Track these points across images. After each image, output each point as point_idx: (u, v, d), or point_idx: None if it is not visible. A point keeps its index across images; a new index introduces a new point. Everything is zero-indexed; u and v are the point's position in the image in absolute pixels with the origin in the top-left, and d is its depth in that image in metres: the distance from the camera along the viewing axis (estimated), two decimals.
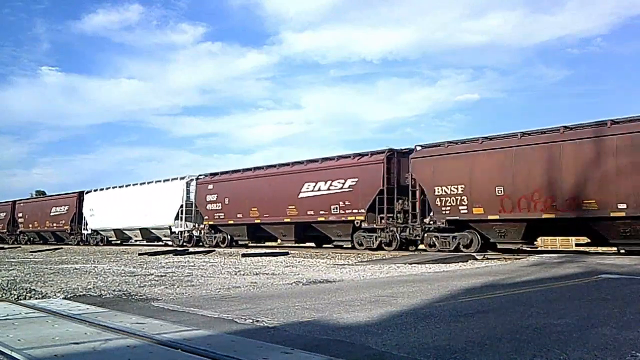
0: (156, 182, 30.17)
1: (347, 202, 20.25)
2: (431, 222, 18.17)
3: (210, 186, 26.51)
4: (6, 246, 36.81)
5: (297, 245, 23.65)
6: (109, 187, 34.21)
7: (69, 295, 7.79)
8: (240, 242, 25.97)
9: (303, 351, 4.11)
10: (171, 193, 28.29)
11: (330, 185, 20.81)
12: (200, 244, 27.09)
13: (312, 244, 24.90)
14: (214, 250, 23.12)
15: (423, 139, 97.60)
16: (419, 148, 18.95)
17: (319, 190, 21.18)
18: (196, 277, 10.86)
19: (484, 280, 9.32)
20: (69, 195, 37.86)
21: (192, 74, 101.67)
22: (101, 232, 34.51)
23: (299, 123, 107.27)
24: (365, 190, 19.73)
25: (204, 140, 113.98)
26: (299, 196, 21.75)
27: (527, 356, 3.90)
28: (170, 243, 29.03)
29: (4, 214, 44.25)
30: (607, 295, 7.58)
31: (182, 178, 28.36)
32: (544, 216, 15.39)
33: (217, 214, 25.87)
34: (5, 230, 43.89)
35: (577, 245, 18.46)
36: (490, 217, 16.55)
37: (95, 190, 35.23)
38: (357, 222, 20.06)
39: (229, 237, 26.28)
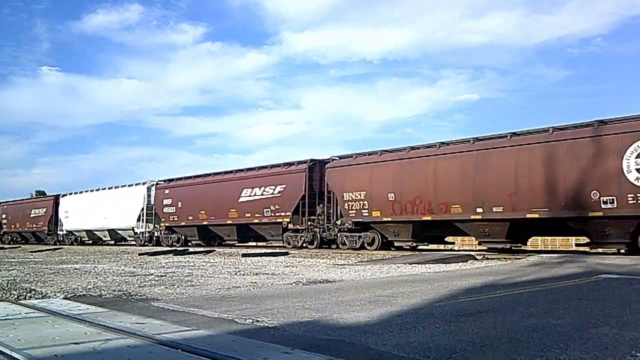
0: (121, 186, 32.98)
1: (277, 206, 23.02)
2: (342, 224, 20.82)
3: (167, 191, 29.32)
4: (6, 246, 37.06)
5: (241, 244, 26.48)
6: (82, 191, 36.94)
7: (69, 295, 7.79)
8: (193, 242, 28.34)
9: (303, 351, 4.11)
10: (134, 197, 31.14)
11: (264, 191, 23.68)
12: (160, 243, 29.55)
13: (253, 243, 27.89)
14: (214, 250, 23.13)
15: (423, 139, 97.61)
16: (335, 159, 21.86)
17: (255, 195, 24.02)
18: (196, 277, 10.86)
19: (484, 280, 9.32)
20: (46, 198, 41.14)
21: (192, 74, 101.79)
22: (75, 233, 36.90)
23: (299, 123, 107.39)
24: (291, 195, 22.45)
25: (204, 140, 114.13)
26: (239, 200, 24.59)
27: (527, 356, 3.90)
28: (133, 242, 32.05)
29: None
30: (607, 295, 7.58)
31: (144, 183, 31.23)
32: (424, 218, 18.34)
33: (172, 217, 28.61)
34: None
35: (577, 245, 18.52)
36: (385, 219, 19.37)
37: (70, 194, 37.82)
38: (285, 224, 22.77)
39: (182, 237, 28.77)
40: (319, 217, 21.88)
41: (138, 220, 30.73)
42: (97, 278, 10.76)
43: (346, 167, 21.03)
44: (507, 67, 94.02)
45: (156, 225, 30.28)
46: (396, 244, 19.77)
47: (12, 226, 43.35)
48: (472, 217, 16.97)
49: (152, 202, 30.23)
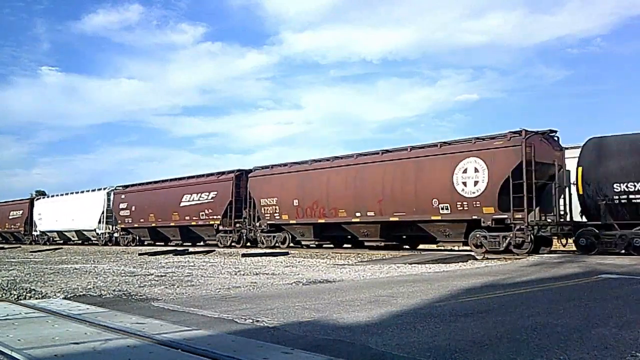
0: (86, 191, 36.76)
1: (210, 210, 26.40)
2: (260, 225, 24.20)
3: (123, 196, 32.70)
4: (6, 246, 37.26)
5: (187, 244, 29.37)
6: (53, 195, 41.12)
7: (69, 295, 7.79)
8: (146, 242, 31.44)
9: (303, 351, 4.11)
10: (96, 201, 34.65)
11: (200, 196, 27.10)
12: (119, 243, 32.86)
13: (190, 243, 30.17)
14: (214, 250, 23.15)
15: (423, 139, 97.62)
16: (257, 169, 25.07)
17: (193, 200, 27.43)
18: (196, 277, 10.86)
19: (484, 280, 9.32)
20: (22, 201, 44.10)
21: (192, 74, 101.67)
22: (47, 233, 39.94)
23: (299, 123, 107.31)
24: (221, 201, 25.92)
25: (204, 140, 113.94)
26: (180, 205, 28.02)
27: (527, 356, 3.90)
28: (97, 242, 35.06)
29: None
30: (607, 295, 7.59)
31: (105, 189, 34.73)
32: (319, 221, 21.59)
33: (127, 219, 31.92)
34: None
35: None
36: (291, 222, 22.67)
37: (43, 197, 42.27)
38: (216, 226, 26.03)
39: (137, 237, 32.13)
40: (245, 220, 25.21)
41: (99, 222, 34.11)
42: (97, 278, 10.76)
43: (263, 177, 24.34)
44: (507, 67, 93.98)
45: (115, 227, 33.52)
46: (303, 242, 23.31)
47: None
48: (353, 220, 20.41)
49: (111, 206, 33.44)
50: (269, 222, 23.59)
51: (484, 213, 16.59)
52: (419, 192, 18.19)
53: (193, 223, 27.43)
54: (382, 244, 20.36)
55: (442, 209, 17.53)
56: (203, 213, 26.75)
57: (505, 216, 16.19)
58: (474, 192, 16.86)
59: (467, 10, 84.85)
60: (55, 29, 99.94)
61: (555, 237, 16.62)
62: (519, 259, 14.85)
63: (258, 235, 24.37)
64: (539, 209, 16.31)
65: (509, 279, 9.64)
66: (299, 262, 16.10)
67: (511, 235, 16.12)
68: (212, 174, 27.44)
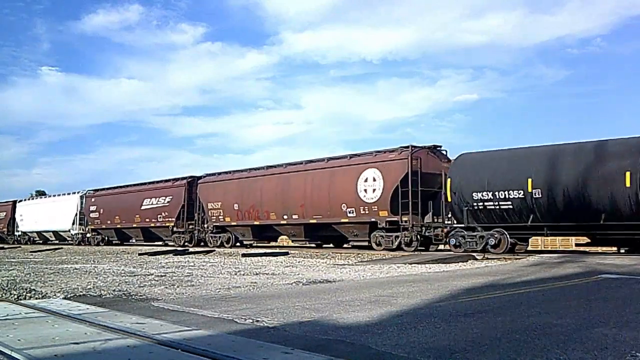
0: (62, 195, 39.85)
1: (166, 213, 29.32)
2: (208, 227, 27.10)
3: (93, 199, 35.72)
4: (6, 246, 37.41)
5: (146, 243, 32.30)
6: (33, 198, 44.72)
7: (69, 295, 7.79)
8: (113, 242, 34.33)
9: (303, 351, 4.11)
10: (70, 204, 37.36)
11: (158, 200, 30.01)
12: (90, 243, 35.76)
13: (148, 243, 32.79)
14: (214, 250, 23.17)
15: (423, 139, 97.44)
16: (206, 176, 28.03)
17: (152, 204, 30.33)
18: (196, 277, 10.87)
19: (484, 280, 9.32)
20: (6, 204, 46.18)
21: (192, 74, 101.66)
22: (28, 234, 42.54)
23: (299, 123, 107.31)
24: (175, 204, 28.92)
25: (204, 140, 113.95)
26: (141, 208, 30.83)
27: (527, 356, 3.90)
28: (71, 241, 37.54)
29: None
30: (607, 295, 7.59)
31: (78, 192, 37.78)
32: (255, 223, 24.52)
33: (96, 221, 34.88)
34: None
35: (577, 245, 18.59)
36: (233, 223, 25.64)
37: (25, 200, 44.88)
38: (171, 227, 28.92)
39: (105, 237, 34.99)
40: (196, 222, 28.03)
41: (73, 223, 36.81)
42: (97, 278, 10.76)
43: (210, 183, 27.32)
44: (507, 67, 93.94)
45: (87, 228, 36.37)
46: (245, 242, 26.50)
47: None
48: (282, 222, 23.28)
49: (83, 209, 36.44)
50: (214, 224, 26.69)
51: (380, 216, 19.50)
52: (332, 198, 21.09)
53: (152, 225, 30.28)
54: (307, 243, 23.73)
55: (349, 212, 20.51)
56: (160, 215, 29.64)
57: (396, 219, 19.08)
58: (372, 198, 19.75)
59: (467, 10, 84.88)
60: (55, 29, 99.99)
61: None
62: (519, 259, 14.86)
63: (206, 235, 27.30)
64: (432, 213, 19.09)
65: (508, 279, 9.64)
66: (299, 262, 16.10)
67: (401, 235, 19.04)
68: (168, 180, 30.62)
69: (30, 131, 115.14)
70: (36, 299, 7.68)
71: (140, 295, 7.83)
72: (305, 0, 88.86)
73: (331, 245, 23.94)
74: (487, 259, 15.44)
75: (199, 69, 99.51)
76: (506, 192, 16.53)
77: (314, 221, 21.79)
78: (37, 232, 41.36)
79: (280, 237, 26.28)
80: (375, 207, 19.59)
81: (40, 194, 58.45)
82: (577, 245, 18.63)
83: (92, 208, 35.18)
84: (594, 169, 15.02)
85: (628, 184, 14.20)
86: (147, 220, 30.37)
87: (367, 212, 19.88)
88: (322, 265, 14.65)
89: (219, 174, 27.31)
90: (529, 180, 16.04)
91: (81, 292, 8.22)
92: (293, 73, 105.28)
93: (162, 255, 21.09)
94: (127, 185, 34.01)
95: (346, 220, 20.63)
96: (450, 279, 9.70)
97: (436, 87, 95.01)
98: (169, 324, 5.34)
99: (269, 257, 18.35)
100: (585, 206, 15.08)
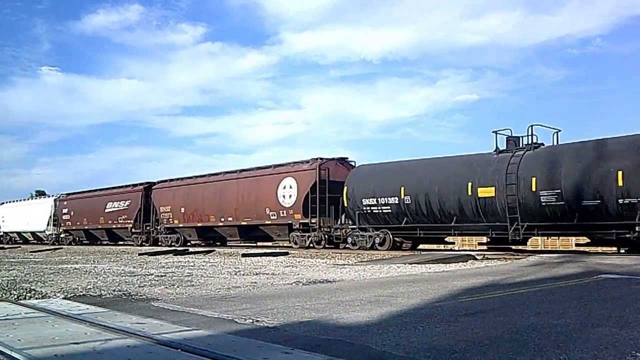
0: (38, 198, 45.03)
1: (125, 216, 32.65)
2: (160, 228, 30.46)
3: (65, 202, 39.05)
4: (6, 246, 37.55)
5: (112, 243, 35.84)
6: (14, 201, 47.03)
7: (69, 295, 7.79)
8: (83, 242, 37.72)
9: (303, 351, 4.11)
10: (45, 207, 40.92)
11: (119, 204, 33.22)
12: (62, 242, 38.47)
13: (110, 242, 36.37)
14: (214, 250, 23.16)
15: (423, 139, 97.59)
16: (160, 182, 31.47)
17: (114, 207, 33.51)
18: (196, 277, 10.86)
19: (484, 280, 9.32)
20: None
21: (192, 74, 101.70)
22: (9, 234, 46.11)
23: (299, 123, 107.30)
24: (133, 208, 32.16)
25: (204, 140, 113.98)
26: (105, 211, 34.13)
27: (526, 356, 3.90)
28: (46, 241, 40.24)
29: None
30: (607, 295, 7.58)
31: (52, 196, 41.94)
32: (198, 225, 27.94)
33: (68, 222, 38.16)
34: None
35: (577, 245, 18.63)
36: (180, 225, 29.04)
37: (6, 203, 47.60)
38: (129, 228, 32.16)
39: (76, 238, 38.26)
40: (151, 224, 31.32)
41: (48, 224, 40.22)
42: (97, 278, 10.76)
43: (162, 189, 30.72)
44: (507, 67, 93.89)
45: (59, 229, 39.37)
46: (192, 242, 29.53)
47: None
48: (219, 224, 26.36)
49: (56, 211, 39.60)
50: (165, 226, 30.05)
51: (295, 218, 22.60)
52: (258, 203, 24.26)
53: (114, 226, 33.67)
54: (241, 242, 27.56)
55: (272, 215, 23.60)
56: (121, 218, 32.94)
57: (307, 221, 22.07)
58: (289, 203, 22.82)
59: (467, 10, 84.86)
60: (55, 29, 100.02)
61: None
62: (519, 259, 14.86)
63: (159, 236, 30.47)
64: (344, 216, 21.72)
65: (509, 279, 9.64)
66: (299, 262, 16.10)
67: (311, 235, 21.98)
68: (127, 186, 34.07)
69: (30, 131, 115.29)
70: (36, 299, 7.68)
71: (140, 295, 7.83)
72: (305, 0, 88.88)
73: (263, 243, 27.65)
74: (487, 259, 15.44)
75: (199, 69, 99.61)
76: (386, 199, 19.82)
77: (245, 223, 25.15)
78: (17, 233, 45.02)
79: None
80: (292, 210, 22.76)
81: (40, 194, 58.81)
82: (577, 245, 18.68)
83: (64, 211, 38.51)
84: (448, 180, 18.25)
85: (470, 193, 17.52)
86: (110, 222, 33.71)
87: (285, 215, 23.05)
88: (322, 265, 14.65)
89: (171, 180, 30.98)
90: (402, 188, 19.32)
91: (81, 292, 8.22)
92: (293, 73, 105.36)
93: (162, 255, 21.08)
94: (94, 190, 37.61)
95: (269, 222, 23.94)
96: (450, 279, 9.69)
97: (436, 87, 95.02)
98: (169, 324, 5.34)
99: (269, 257, 18.35)
100: (442, 210, 18.38)
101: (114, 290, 8.42)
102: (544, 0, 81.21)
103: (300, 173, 22.77)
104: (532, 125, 17.34)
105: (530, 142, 17.32)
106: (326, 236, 21.91)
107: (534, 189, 16.13)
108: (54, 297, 7.77)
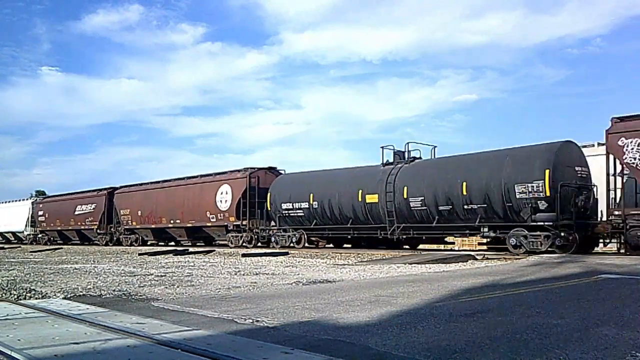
0: (18, 200, 47.46)
1: (92, 218, 35.81)
2: (122, 230, 33.24)
3: (41, 205, 42.43)
4: (6, 246, 37.64)
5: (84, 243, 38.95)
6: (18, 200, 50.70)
7: (69, 295, 7.79)
8: (58, 242, 40.11)
9: (303, 351, 4.11)
10: (23, 210, 44.44)
11: (86, 207, 36.38)
12: (39, 242, 41.36)
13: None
14: (214, 250, 23.16)
15: (423, 139, 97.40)
16: (120, 188, 34.48)
17: (82, 210, 36.70)
18: (196, 277, 10.86)
19: (484, 280, 9.32)
20: None
21: (192, 74, 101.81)
22: None
23: (299, 123, 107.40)
24: (98, 211, 35.32)
25: (204, 140, 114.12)
26: (75, 213, 37.30)
27: (527, 356, 3.90)
28: (25, 241, 43.55)
29: None
30: (607, 295, 7.58)
31: (29, 199, 46.33)
32: (152, 226, 30.97)
33: (43, 223, 41.49)
34: None
35: (479, 244, 18.84)
36: (138, 227, 32.08)
37: None
38: (95, 229, 35.35)
39: (51, 238, 41.13)
40: (114, 225, 34.26)
41: (26, 226, 43.62)
42: (97, 278, 10.75)
43: (123, 194, 33.74)
44: (507, 67, 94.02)
45: (36, 229, 42.51)
46: (149, 242, 32.28)
47: None
48: (169, 225, 29.62)
49: (34, 213, 42.81)
50: (125, 227, 32.96)
51: (230, 221, 25.73)
52: (200, 207, 27.26)
53: (83, 227, 36.87)
54: (190, 241, 30.24)
55: (212, 218, 26.64)
56: (88, 220, 36.10)
57: (239, 223, 25.28)
58: (225, 207, 25.92)
59: (467, 10, 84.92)
60: (55, 29, 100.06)
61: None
62: (519, 259, 14.86)
63: (121, 237, 33.45)
64: (267, 218, 24.92)
65: (508, 279, 9.64)
66: (299, 262, 16.10)
67: (243, 235, 25.35)
68: (93, 190, 37.18)
69: (30, 131, 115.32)
70: (36, 299, 7.68)
71: (140, 295, 7.82)
72: (305, 0, 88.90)
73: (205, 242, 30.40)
74: (487, 259, 15.44)
75: (199, 69, 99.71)
76: (299, 204, 22.82)
77: (190, 225, 28.32)
78: (0, 233, 48.40)
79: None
80: (227, 214, 25.87)
81: (40, 194, 58.97)
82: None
83: (40, 213, 41.74)
84: (345, 188, 21.32)
85: (360, 199, 20.77)
86: (79, 223, 37.05)
87: (222, 217, 26.11)
88: (322, 265, 14.65)
89: (130, 186, 34.12)
90: (311, 195, 22.37)
91: (81, 292, 8.22)
92: (293, 73, 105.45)
93: (162, 255, 21.08)
94: (65, 194, 41.11)
95: (210, 224, 27.02)
96: (450, 279, 9.69)
97: (436, 87, 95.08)
98: (169, 324, 5.34)
99: (269, 257, 18.35)
100: (341, 213, 21.50)
101: (114, 290, 8.41)
102: (544, 0, 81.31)
103: (234, 181, 25.96)
104: (408, 143, 21.04)
105: (407, 157, 20.74)
106: (256, 236, 25.06)
107: (405, 196, 19.30)
108: (54, 297, 7.77)
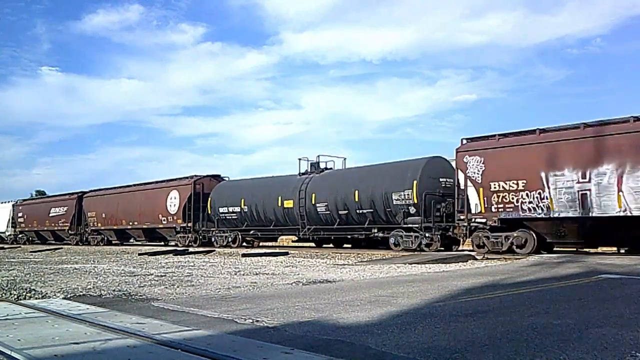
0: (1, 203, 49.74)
1: (64, 220, 38.21)
2: (89, 230, 36.13)
3: (20, 207, 45.05)
4: (6, 246, 37.74)
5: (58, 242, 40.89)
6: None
7: (69, 295, 7.78)
8: (35, 242, 42.42)
9: (303, 351, 4.11)
10: (5, 211, 46.52)
11: (59, 210, 39.01)
12: (19, 242, 43.67)
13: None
14: (214, 250, 23.16)
15: (423, 139, 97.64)
16: (89, 192, 37.26)
17: (56, 212, 39.23)
18: (196, 277, 10.86)
19: (484, 280, 9.32)
20: None
21: (192, 74, 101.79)
22: None
23: (299, 123, 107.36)
24: (69, 213, 37.73)
25: (204, 140, 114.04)
26: (49, 215, 39.77)
27: (527, 356, 3.90)
28: (7, 241, 45.42)
29: None
30: (607, 295, 7.59)
31: (11, 202, 47.15)
32: (114, 227, 33.70)
33: (22, 224, 44.07)
34: None
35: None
36: (102, 228, 34.88)
37: None
38: (66, 230, 37.78)
39: (29, 238, 43.45)
40: (83, 226, 36.83)
41: (7, 226, 46.02)
42: (97, 278, 10.75)
43: (90, 198, 36.51)
44: (507, 67, 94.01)
45: (17, 230, 44.91)
46: (113, 242, 34.70)
47: None
48: (129, 227, 32.31)
49: (14, 215, 45.29)
50: (92, 228, 35.80)
51: (178, 223, 28.68)
52: (154, 210, 30.13)
53: (56, 228, 39.43)
54: (147, 241, 32.94)
55: (163, 220, 29.63)
56: (60, 221, 38.68)
57: (185, 225, 28.28)
58: (174, 211, 28.91)
59: (467, 10, 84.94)
60: (55, 29, 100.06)
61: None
62: (519, 259, 14.87)
63: (89, 237, 36.20)
64: (208, 220, 27.65)
65: (509, 279, 9.64)
66: (299, 262, 16.10)
67: (190, 236, 28.09)
68: (65, 194, 40.30)
69: (30, 131, 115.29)
70: (36, 299, 7.68)
71: (140, 295, 7.82)
72: (305, 0, 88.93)
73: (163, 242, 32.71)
74: (487, 259, 15.45)
75: (199, 69, 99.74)
76: (234, 208, 25.80)
77: (146, 226, 31.07)
78: None
79: (280, 238, 28.26)
80: (175, 216, 28.82)
81: (40, 194, 59.04)
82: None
83: (20, 214, 44.49)
84: (269, 194, 24.26)
85: (279, 204, 23.57)
86: (53, 224, 39.67)
87: (172, 220, 29.06)
88: (322, 265, 14.65)
89: (97, 190, 36.94)
90: (242, 200, 25.44)
91: (81, 292, 8.22)
92: (293, 73, 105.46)
93: (162, 255, 21.08)
94: (41, 197, 45.09)
95: (162, 226, 29.86)
96: (450, 279, 9.69)
97: (436, 87, 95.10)
98: (169, 324, 5.33)
99: (269, 257, 18.35)
100: (266, 217, 24.52)
101: (114, 290, 8.41)
102: (544, 0, 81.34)
103: (181, 187, 29.08)
104: (319, 155, 24.24)
105: (317, 167, 23.84)
106: (200, 237, 27.78)
107: (313, 202, 22.25)
108: (54, 297, 7.77)
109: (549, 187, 15.62)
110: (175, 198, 28.99)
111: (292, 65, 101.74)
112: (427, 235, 18.58)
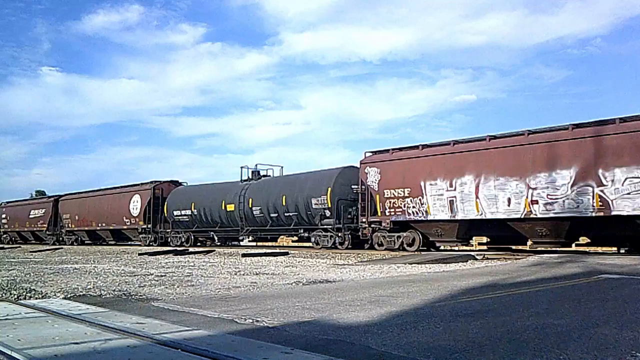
0: None
1: (42, 221, 40.78)
2: (64, 231, 38.26)
3: (4, 209, 47.71)
4: (6, 246, 37.75)
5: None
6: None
7: (69, 295, 7.78)
8: (18, 242, 44.96)
9: (303, 351, 4.11)
10: None
11: (37, 212, 41.56)
12: (2, 241, 45.88)
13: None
14: (214, 250, 23.16)
15: (423, 139, 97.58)
16: (64, 196, 39.78)
17: (35, 214, 41.82)
18: (196, 277, 10.86)
19: (484, 280, 9.32)
20: None
21: (192, 74, 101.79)
22: None
23: (299, 123, 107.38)
24: (46, 215, 40.32)
25: (204, 140, 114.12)
26: (29, 217, 42.58)
27: (526, 356, 3.90)
28: None
29: None
30: (607, 295, 7.58)
31: None
32: (85, 229, 36.26)
33: (5, 225, 46.96)
34: None
35: (576, 245, 18.67)
36: (76, 229, 37.26)
37: None
38: (44, 231, 40.29)
39: (12, 238, 46.13)
40: (59, 227, 39.07)
41: None
42: (97, 278, 10.75)
43: (65, 201, 39.04)
44: (507, 67, 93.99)
45: (0, 230, 47.68)
46: (86, 242, 37.24)
47: None
48: (98, 228, 35.00)
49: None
50: (66, 229, 38.16)
51: (140, 224, 31.37)
52: (119, 213, 32.83)
53: (35, 229, 42.05)
54: (117, 242, 35.18)
55: (127, 222, 32.23)
56: (39, 222, 41.21)
57: (146, 226, 31.05)
58: (136, 213, 31.60)
59: (467, 11, 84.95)
60: (56, 29, 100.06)
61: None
62: (519, 259, 14.87)
63: (64, 237, 38.41)
64: (164, 222, 30.63)
65: (509, 279, 9.64)
66: (299, 262, 16.10)
67: (150, 236, 30.85)
68: (42, 197, 44.56)
69: (30, 131, 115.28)
70: (36, 298, 7.68)
71: (140, 295, 7.82)
72: (305, 0, 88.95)
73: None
74: (487, 259, 15.45)
75: (199, 69, 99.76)
76: (185, 211, 28.72)
77: (112, 227, 33.69)
78: None
79: (279, 238, 28.73)
80: (138, 219, 31.45)
81: (40, 194, 58.99)
82: (576, 245, 18.72)
83: (3, 216, 47.24)
84: (214, 199, 27.12)
85: (223, 207, 26.48)
86: (33, 225, 42.27)
87: (134, 222, 31.70)
88: (322, 265, 14.65)
89: (72, 194, 39.34)
90: (192, 204, 28.37)
91: (81, 292, 8.22)
92: (293, 73, 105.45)
93: (162, 255, 21.08)
94: (23, 200, 48.15)
95: (126, 227, 32.52)
96: (450, 279, 9.69)
97: (436, 88, 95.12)
98: (169, 324, 5.33)
99: (269, 257, 18.35)
100: (212, 219, 27.35)
101: (114, 290, 8.41)
102: (544, 0, 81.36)
103: (143, 191, 31.73)
104: (257, 164, 27.43)
105: (257, 175, 26.79)
106: (159, 237, 30.50)
107: (250, 206, 25.03)
108: (54, 297, 7.77)
109: (426, 194, 18.49)
110: (137, 202, 31.73)
111: (292, 65, 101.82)
112: (339, 235, 21.29)
